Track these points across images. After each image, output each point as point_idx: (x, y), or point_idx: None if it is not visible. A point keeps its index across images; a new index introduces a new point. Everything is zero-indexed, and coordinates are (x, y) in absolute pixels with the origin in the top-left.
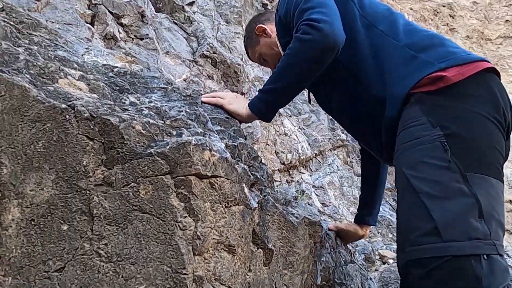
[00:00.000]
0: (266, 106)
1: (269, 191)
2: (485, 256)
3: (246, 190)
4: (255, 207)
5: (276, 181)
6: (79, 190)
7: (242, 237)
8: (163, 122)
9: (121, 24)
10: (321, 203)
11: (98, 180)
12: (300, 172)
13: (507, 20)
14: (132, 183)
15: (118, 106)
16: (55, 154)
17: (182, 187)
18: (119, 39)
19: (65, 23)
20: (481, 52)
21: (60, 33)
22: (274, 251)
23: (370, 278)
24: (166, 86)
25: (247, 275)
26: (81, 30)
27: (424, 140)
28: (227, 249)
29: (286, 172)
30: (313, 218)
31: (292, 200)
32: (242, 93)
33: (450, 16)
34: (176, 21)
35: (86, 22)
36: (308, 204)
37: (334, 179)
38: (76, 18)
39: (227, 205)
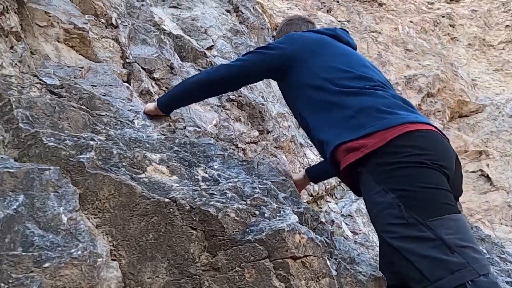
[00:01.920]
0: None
1: (337, 253)
2: (470, 282)
3: (328, 262)
4: (335, 275)
5: None
6: (189, 275)
7: None
8: (245, 202)
9: (153, 79)
10: (351, 231)
11: (205, 266)
12: (327, 201)
13: (507, 25)
14: (237, 268)
15: (205, 190)
16: (165, 244)
17: (281, 269)
18: (153, 93)
19: (106, 85)
20: (484, 58)
21: (110, 101)
22: None
23: None
24: (222, 153)
25: None
26: (121, 90)
27: (385, 205)
28: None
29: (314, 203)
30: (377, 273)
31: (355, 257)
32: (268, 131)
33: (450, 25)
34: (200, 68)
35: (123, 81)
36: (344, 238)
37: (360, 206)
38: (114, 79)
39: (317, 280)
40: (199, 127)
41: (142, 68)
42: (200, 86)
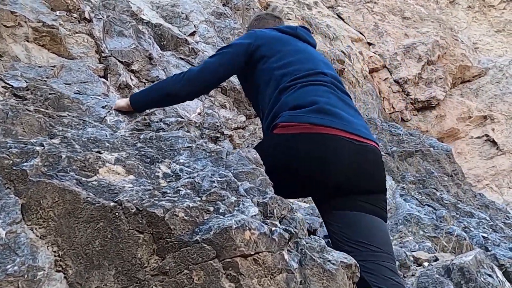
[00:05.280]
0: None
1: (304, 242)
2: None
3: (286, 256)
4: (296, 268)
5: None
6: (138, 281)
7: None
8: (199, 199)
9: (132, 71)
10: None
11: (154, 270)
12: None
13: None
14: (185, 270)
15: (157, 189)
16: (112, 251)
17: (230, 268)
18: (132, 86)
19: (81, 82)
20: (485, 20)
21: (81, 99)
22: None
23: None
24: (190, 145)
25: None
26: (96, 86)
27: None
28: None
29: None
30: (349, 260)
31: (326, 244)
32: (255, 116)
33: None
34: (182, 57)
35: (100, 77)
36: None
37: None
38: (90, 75)
39: (272, 276)
40: (182, 117)
41: (119, 61)
42: (173, 97)
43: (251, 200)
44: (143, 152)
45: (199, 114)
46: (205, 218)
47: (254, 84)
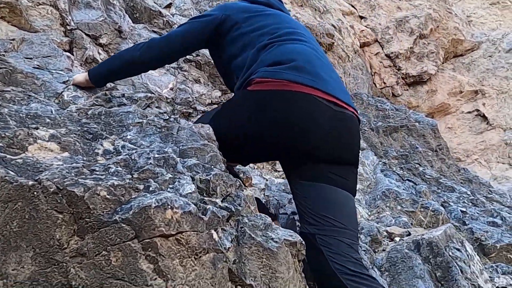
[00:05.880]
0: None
1: (247, 220)
2: None
3: (215, 235)
4: (229, 247)
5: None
6: (56, 263)
7: (215, 284)
8: (130, 176)
9: (100, 45)
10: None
11: (73, 252)
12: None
13: None
14: (103, 252)
15: (87, 167)
16: (30, 232)
17: (150, 249)
18: (100, 60)
19: (43, 57)
20: None
21: (36, 74)
22: (254, 285)
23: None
24: (141, 120)
25: None
26: (60, 60)
27: None
28: None
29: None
30: (293, 238)
31: (272, 223)
32: (231, 92)
33: None
34: (155, 30)
35: (65, 51)
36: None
37: None
38: (54, 49)
39: (196, 257)
40: (152, 93)
41: (86, 34)
42: (134, 65)
43: (192, 177)
44: (86, 128)
45: (171, 89)
46: (132, 196)
47: (227, 54)
